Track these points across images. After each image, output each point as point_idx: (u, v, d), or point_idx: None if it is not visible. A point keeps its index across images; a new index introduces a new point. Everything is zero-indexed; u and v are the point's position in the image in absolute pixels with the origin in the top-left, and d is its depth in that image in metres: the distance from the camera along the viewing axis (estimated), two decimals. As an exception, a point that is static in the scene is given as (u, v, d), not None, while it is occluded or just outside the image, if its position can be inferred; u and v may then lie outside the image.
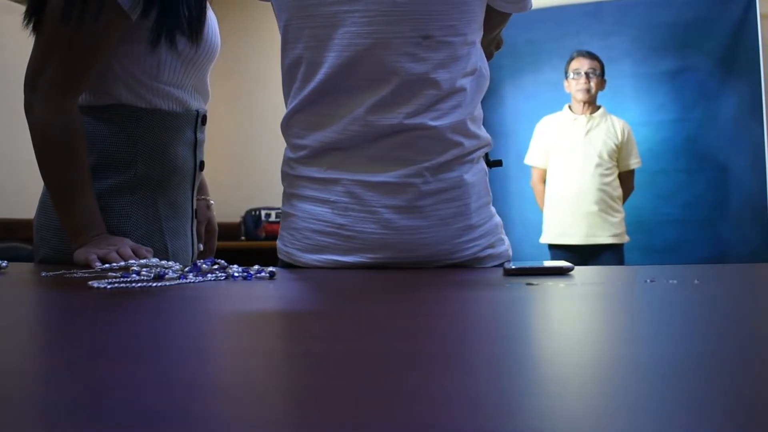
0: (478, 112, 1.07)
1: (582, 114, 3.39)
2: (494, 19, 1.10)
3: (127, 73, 1.23)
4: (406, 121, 0.99)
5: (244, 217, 4.64)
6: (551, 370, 0.29)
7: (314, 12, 1.02)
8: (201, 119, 1.35)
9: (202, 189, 1.53)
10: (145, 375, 0.29)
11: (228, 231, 4.64)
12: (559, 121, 3.46)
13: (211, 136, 5.32)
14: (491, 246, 1.06)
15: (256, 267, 0.84)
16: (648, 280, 0.69)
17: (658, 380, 0.26)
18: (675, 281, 0.68)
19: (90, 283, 0.71)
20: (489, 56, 1.22)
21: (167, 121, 1.27)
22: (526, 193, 3.76)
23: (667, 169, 3.97)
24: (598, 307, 0.52)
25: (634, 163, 3.41)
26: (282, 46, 1.08)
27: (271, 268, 0.83)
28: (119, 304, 0.57)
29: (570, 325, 0.44)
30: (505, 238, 1.11)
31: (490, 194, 1.10)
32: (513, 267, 0.82)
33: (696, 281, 0.68)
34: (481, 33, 1.06)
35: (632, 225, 3.51)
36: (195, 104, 1.33)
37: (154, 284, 0.72)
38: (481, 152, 1.07)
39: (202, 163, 1.38)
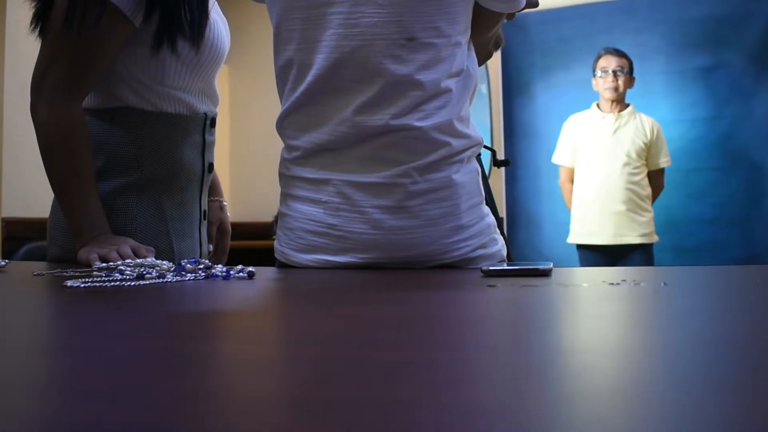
0: (465, 111, 1.06)
1: (610, 112, 3.34)
2: (488, 19, 1.09)
3: (131, 76, 1.25)
4: (393, 122, 1.00)
5: (277, 217, 4.69)
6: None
7: (301, 14, 1.03)
8: (210, 122, 1.36)
9: (215, 190, 1.54)
10: (68, 377, 0.29)
11: (261, 230, 4.70)
12: (587, 119, 3.41)
13: (243, 137, 5.34)
14: (483, 246, 1.06)
15: (239, 267, 0.85)
16: (617, 282, 0.69)
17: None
18: (642, 283, 0.67)
19: (65, 282, 0.72)
20: (488, 55, 1.21)
21: (174, 123, 1.29)
22: (557, 193, 3.73)
23: (699, 168, 3.89)
24: (547, 311, 0.52)
25: (664, 161, 3.34)
26: (274, 47, 1.09)
27: (250, 268, 0.84)
28: (78, 304, 0.58)
29: (519, 327, 0.44)
30: (499, 237, 1.10)
31: (482, 194, 1.09)
32: (491, 268, 0.82)
33: (663, 283, 0.67)
34: (468, 33, 1.06)
35: (663, 224, 3.44)
36: (203, 107, 1.34)
37: (129, 284, 0.74)
38: (472, 152, 1.06)
39: (210, 165, 1.39)
